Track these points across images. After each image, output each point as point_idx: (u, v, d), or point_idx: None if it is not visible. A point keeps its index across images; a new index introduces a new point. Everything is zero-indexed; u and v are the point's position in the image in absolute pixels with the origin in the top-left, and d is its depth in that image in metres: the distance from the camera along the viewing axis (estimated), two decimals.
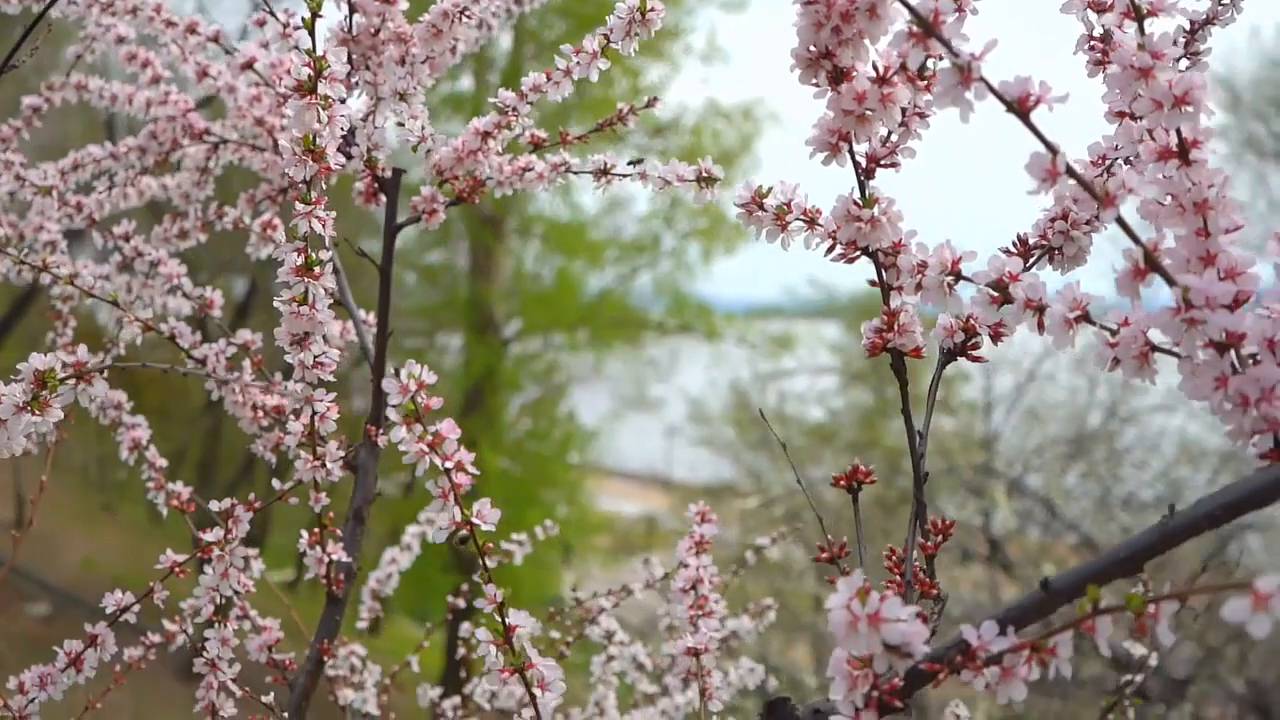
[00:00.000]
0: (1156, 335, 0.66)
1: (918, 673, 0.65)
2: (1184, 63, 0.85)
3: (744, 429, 9.49)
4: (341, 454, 1.08)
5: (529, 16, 8.96)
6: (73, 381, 0.82)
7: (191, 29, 1.28)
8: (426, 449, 0.76)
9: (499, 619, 0.79)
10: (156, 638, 1.27)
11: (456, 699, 1.64)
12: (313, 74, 0.88)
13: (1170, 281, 0.62)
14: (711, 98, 10.09)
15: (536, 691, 0.79)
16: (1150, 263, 0.62)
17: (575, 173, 1.18)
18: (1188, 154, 0.65)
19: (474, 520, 0.78)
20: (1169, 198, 0.66)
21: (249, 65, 1.25)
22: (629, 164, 1.13)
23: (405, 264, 10.24)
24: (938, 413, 8.74)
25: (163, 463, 1.26)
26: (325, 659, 1.18)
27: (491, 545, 0.80)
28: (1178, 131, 0.65)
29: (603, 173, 1.14)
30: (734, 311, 10.78)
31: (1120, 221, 0.62)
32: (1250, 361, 0.63)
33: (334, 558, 1.13)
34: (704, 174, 1.07)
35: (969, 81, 0.60)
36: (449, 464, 0.76)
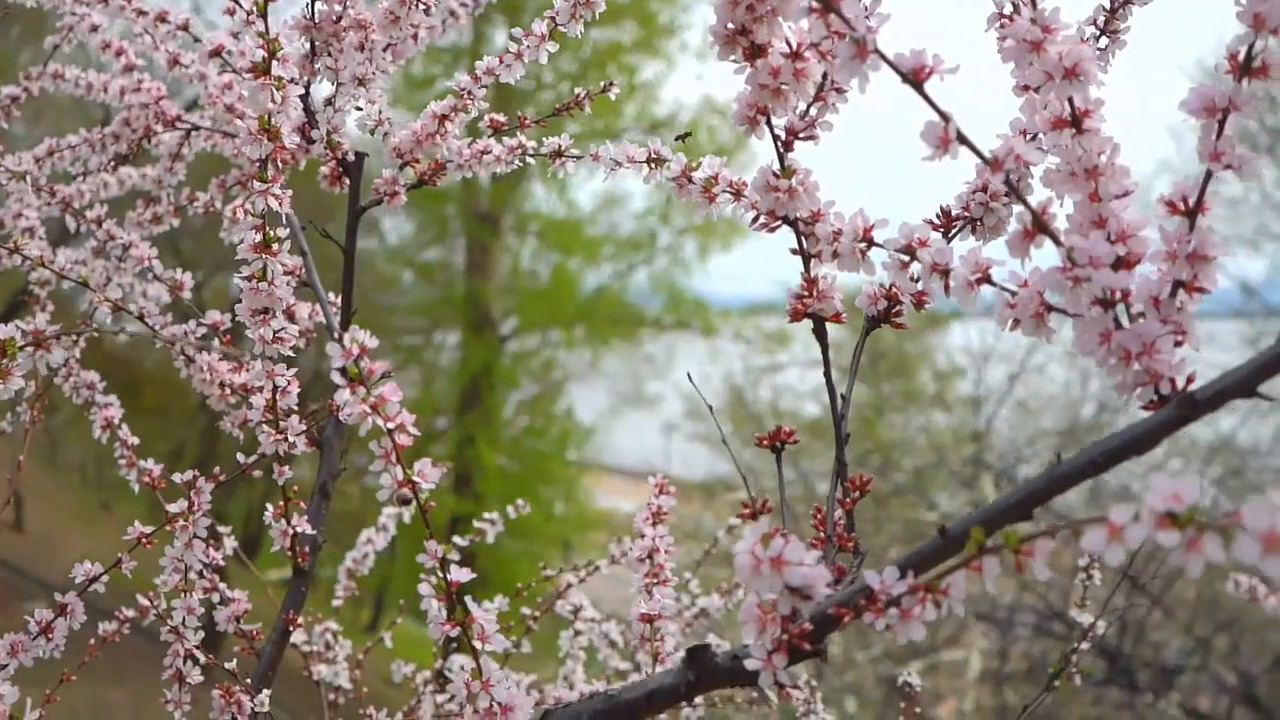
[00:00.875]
0: (1054, 296, 0.69)
1: (826, 617, 0.68)
2: (1104, 40, 0.89)
3: (739, 425, 9.52)
4: (303, 428, 1.11)
5: (525, 16, 9.01)
6: (31, 349, 0.85)
7: (161, 18, 1.31)
8: (369, 410, 0.80)
9: (441, 575, 0.83)
10: (130, 612, 1.30)
11: (427, 673, 1.68)
12: (266, 55, 0.91)
13: (1057, 242, 0.65)
14: (707, 94, 10.14)
15: (477, 644, 0.83)
16: (1038, 225, 0.65)
17: (532, 155, 1.21)
18: (1080, 123, 0.68)
19: (415, 479, 0.81)
20: (1066, 165, 0.70)
21: (217, 53, 1.29)
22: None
23: (402, 262, 10.28)
24: (933, 409, 8.78)
25: (134, 440, 1.29)
26: (291, 629, 1.21)
27: (434, 504, 0.83)
28: (1069, 101, 0.68)
29: (556, 155, 1.17)
30: (730, 307, 10.82)
31: (1010, 185, 0.65)
32: (1140, 319, 0.67)
33: (298, 530, 1.17)
34: (653, 156, 1.10)
35: (865, 54, 0.63)
36: (391, 425, 0.80)
